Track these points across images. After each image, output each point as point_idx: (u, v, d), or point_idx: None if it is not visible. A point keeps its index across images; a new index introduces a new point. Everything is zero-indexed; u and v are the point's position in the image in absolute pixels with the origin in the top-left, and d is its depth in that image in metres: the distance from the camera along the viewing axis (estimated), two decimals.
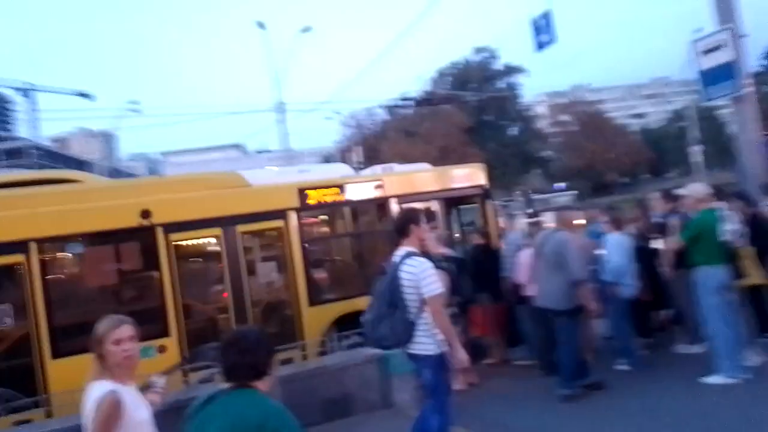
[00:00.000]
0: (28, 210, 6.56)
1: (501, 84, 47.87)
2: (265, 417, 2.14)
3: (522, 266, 6.74)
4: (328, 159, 38.42)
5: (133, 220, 6.94)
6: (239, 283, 7.42)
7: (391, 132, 42.01)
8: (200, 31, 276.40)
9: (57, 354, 6.37)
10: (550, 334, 6.08)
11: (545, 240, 6.06)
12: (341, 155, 34.04)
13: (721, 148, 41.83)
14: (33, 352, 6.36)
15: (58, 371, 6.24)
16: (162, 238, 7.05)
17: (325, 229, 9.06)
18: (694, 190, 5.93)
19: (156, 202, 7.13)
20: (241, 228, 7.51)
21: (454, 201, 9.25)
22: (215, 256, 7.65)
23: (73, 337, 6.39)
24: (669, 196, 7.12)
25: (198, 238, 7.68)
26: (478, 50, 48.49)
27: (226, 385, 2.26)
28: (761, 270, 6.03)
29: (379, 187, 8.34)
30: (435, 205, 8.68)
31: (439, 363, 3.95)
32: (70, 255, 7.33)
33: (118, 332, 2.59)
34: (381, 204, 8.42)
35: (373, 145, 38.88)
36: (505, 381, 6.82)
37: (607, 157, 49.60)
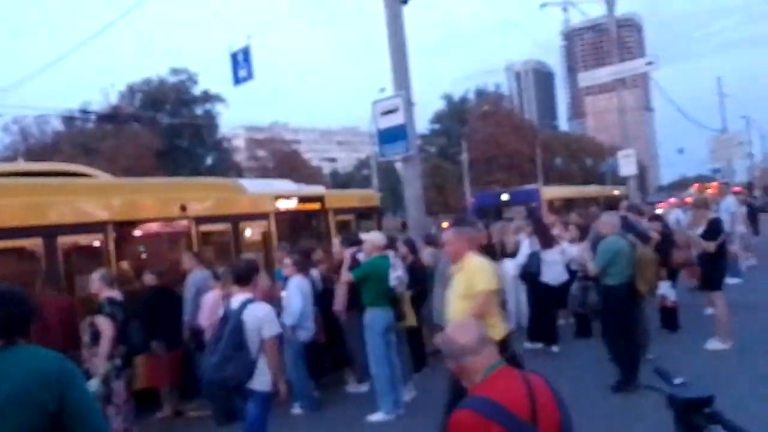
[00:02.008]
0: None
1: (198, 110, 46.64)
2: (57, 362, 2.17)
3: (206, 309, 6.28)
4: None
5: None
6: None
7: (66, 146, 36.95)
8: None
9: None
10: None
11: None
12: None
13: (398, 197, 48.01)
14: None
15: None
16: None
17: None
18: (373, 237, 6.41)
19: None
20: None
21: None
22: None
23: None
24: (350, 241, 7.30)
25: None
26: (175, 71, 46.48)
27: None
28: (416, 313, 6.80)
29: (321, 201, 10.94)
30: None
31: (267, 399, 4.50)
32: None
33: None
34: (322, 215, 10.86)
35: (42, 157, 33.57)
36: None
37: None
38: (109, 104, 37.01)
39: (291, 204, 10.14)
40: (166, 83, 45.53)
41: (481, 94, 67.19)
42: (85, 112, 24.03)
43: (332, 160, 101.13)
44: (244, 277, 4.64)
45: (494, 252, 8.88)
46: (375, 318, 5.93)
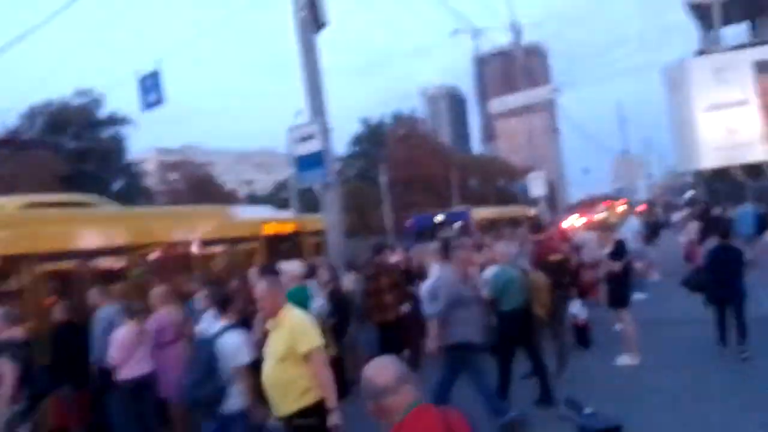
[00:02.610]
0: None
1: (106, 133, 44.54)
2: None
3: (116, 346, 5.86)
4: None
5: None
6: None
7: None
8: None
9: None
10: (144, 420, 5.46)
11: None
12: None
13: None
14: None
15: None
16: None
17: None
18: (290, 268, 6.30)
19: None
20: None
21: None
22: None
23: None
24: (266, 271, 7.23)
25: None
26: (80, 93, 44.22)
27: None
28: (336, 342, 6.61)
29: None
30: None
31: (244, 418, 4.50)
32: None
33: None
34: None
35: None
36: None
37: None
38: (7, 128, 34.60)
39: (278, 229, 11.21)
40: (70, 105, 43.23)
41: (397, 117, 68.59)
42: None
43: (249, 182, 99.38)
44: (222, 303, 4.88)
45: (412, 275, 8.86)
46: None
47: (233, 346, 4.49)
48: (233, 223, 10.19)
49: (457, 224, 22.35)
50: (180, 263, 8.97)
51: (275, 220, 11.49)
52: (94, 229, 7.96)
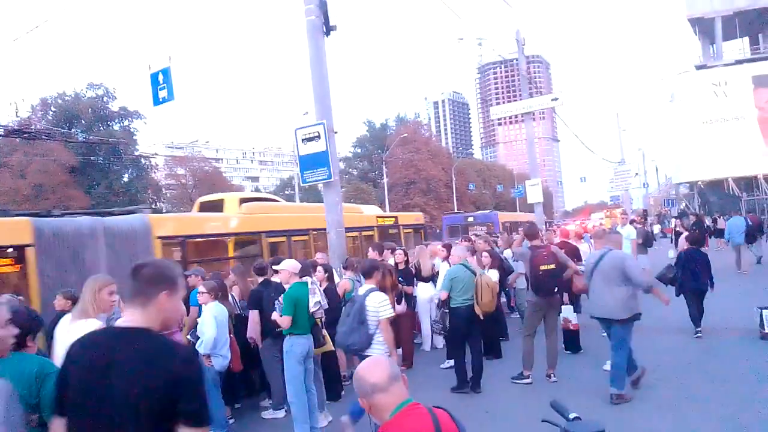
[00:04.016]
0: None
1: (116, 126, 45.24)
2: (41, 366, 2.71)
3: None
4: None
5: None
6: None
7: None
8: None
9: None
10: None
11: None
12: None
13: None
14: None
15: None
16: None
17: None
18: (289, 265, 6.31)
19: None
20: None
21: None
22: None
23: None
24: (257, 269, 7.29)
25: None
26: (92, 86, 45.01)
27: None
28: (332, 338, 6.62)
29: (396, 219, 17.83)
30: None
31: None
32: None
33: None
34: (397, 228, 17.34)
35: None
36: None
37: None
38: (19, 118, 35.32)
39: (385, 221, 16.79)
40: (82, 98, 43.95)
41: (401, 121, 69.09)
42: None
43: (254, 179, 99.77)
44: (368, 271, 6.00)
45: (410, 273, 9.26)
46: (294, 345, 5.95)
47: (378, 303, 5.56)
48: (361, 216, 15.63)
49: (486, 225, 26.74)
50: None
51: (384, 216, 17.17)
52: (284, 217, 12.69)
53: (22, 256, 7.13)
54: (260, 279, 7.08)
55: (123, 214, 9.21)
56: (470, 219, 28.35)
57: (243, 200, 12.16)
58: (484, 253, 9.33)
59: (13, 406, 2.30)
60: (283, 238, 11.99)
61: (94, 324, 3.51)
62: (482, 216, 29.52)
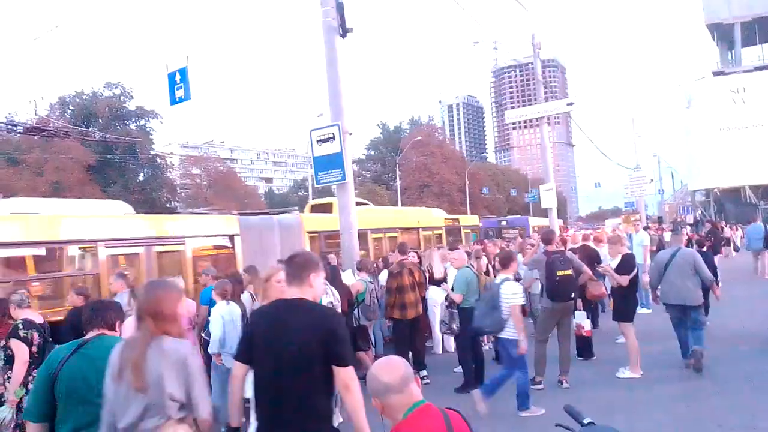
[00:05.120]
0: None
1: (132, 125, 45.69)
2: None
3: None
4: None
5: None
6: None
7: None
8: None
9: None
10: None
11: None
12: None
13: None
14: None
15: None
16: None
17: None
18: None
19: None
20: None
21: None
22: None
23: None
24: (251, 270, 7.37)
25: None
26: (110, 85, 45.52)
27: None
28: None
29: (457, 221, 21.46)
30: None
31: (515, 345, 6.10)
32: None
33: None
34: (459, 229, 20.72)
35: None
36: None
37: None
38: (37, 116, 35.80)
39: (449, 223, 19.93)
40: (100, 97, 44.45)
41: (415, 123, 69.09)
42: (10, 124, 23.16)
43: (268, 180, 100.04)
44: (505, 262, 6.63)
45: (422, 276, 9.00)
46: None
47: (511, 291, 6.13)
48: (433, 218, 18.55)
49: (518, 228, 29.30)
50: (412, 238, 16.33)
51: (449, 217, 20.41)
52: (381, 217, 16.29)
53: (232, 242, 10.50)
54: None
55: (279, 214, 12.61)
56: (503, 222, 31.79)
57: None
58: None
59: None
60: (382, 235, 15.09)
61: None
62: (514, 220, 33.23)
